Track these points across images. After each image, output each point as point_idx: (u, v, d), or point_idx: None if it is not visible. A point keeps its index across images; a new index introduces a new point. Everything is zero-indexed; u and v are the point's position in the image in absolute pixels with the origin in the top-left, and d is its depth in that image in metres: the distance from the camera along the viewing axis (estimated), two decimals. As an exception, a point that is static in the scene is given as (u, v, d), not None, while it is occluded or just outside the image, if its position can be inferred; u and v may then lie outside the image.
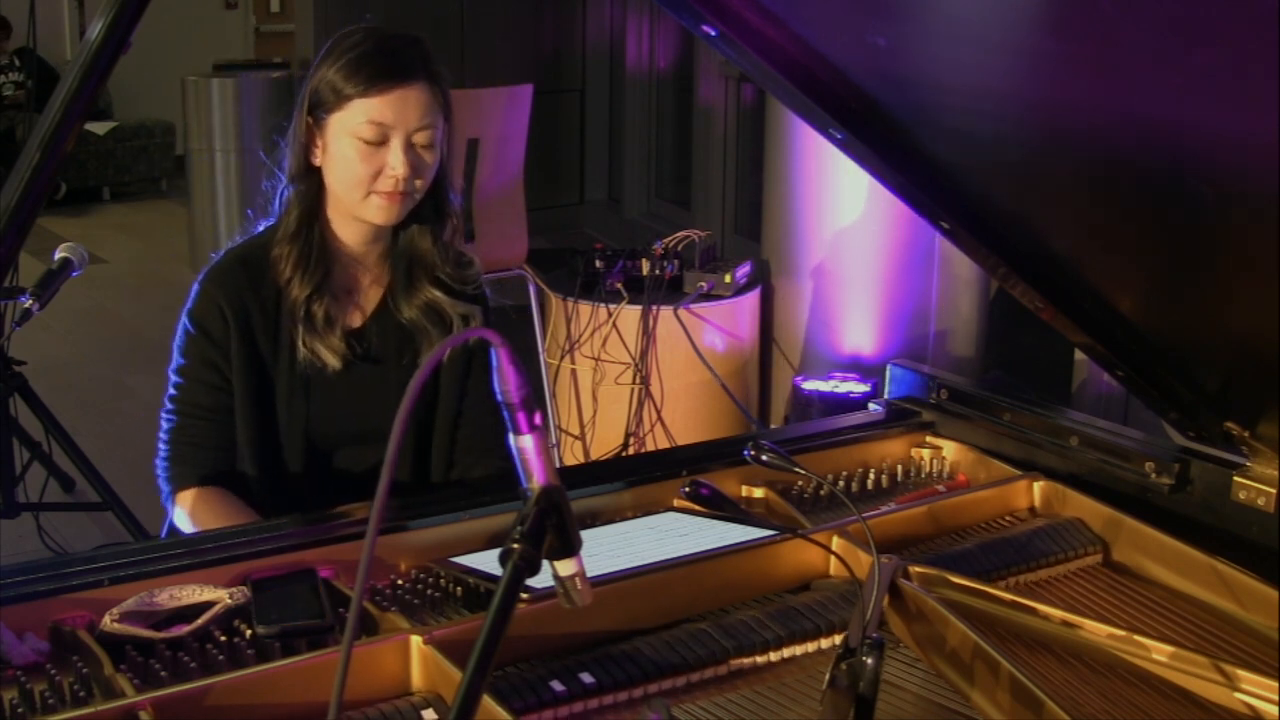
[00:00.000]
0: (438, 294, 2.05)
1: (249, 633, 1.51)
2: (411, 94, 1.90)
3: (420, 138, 1.92)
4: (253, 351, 1.97)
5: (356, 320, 2.04)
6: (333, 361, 1.97)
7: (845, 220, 4.24)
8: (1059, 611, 1.56)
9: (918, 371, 2.19)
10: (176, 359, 2.00)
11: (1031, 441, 1.96)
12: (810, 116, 1.64)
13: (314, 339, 1.96)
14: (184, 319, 1.99)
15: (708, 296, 4.15)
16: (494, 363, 1.16)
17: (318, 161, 1.96)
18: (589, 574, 1.23)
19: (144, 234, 8.65)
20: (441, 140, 1.96)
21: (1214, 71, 1.09)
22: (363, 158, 1.90)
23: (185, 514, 1.97)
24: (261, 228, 2.04)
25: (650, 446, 4.11)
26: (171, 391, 2.01)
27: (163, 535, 2.15)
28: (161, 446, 2.01)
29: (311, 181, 1.97)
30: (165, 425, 2.01)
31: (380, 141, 1.89)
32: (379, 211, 1.93)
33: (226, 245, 2.05)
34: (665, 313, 4.08)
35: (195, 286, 1.99)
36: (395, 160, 1.89)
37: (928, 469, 2.01)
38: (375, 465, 2.06)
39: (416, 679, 1.44)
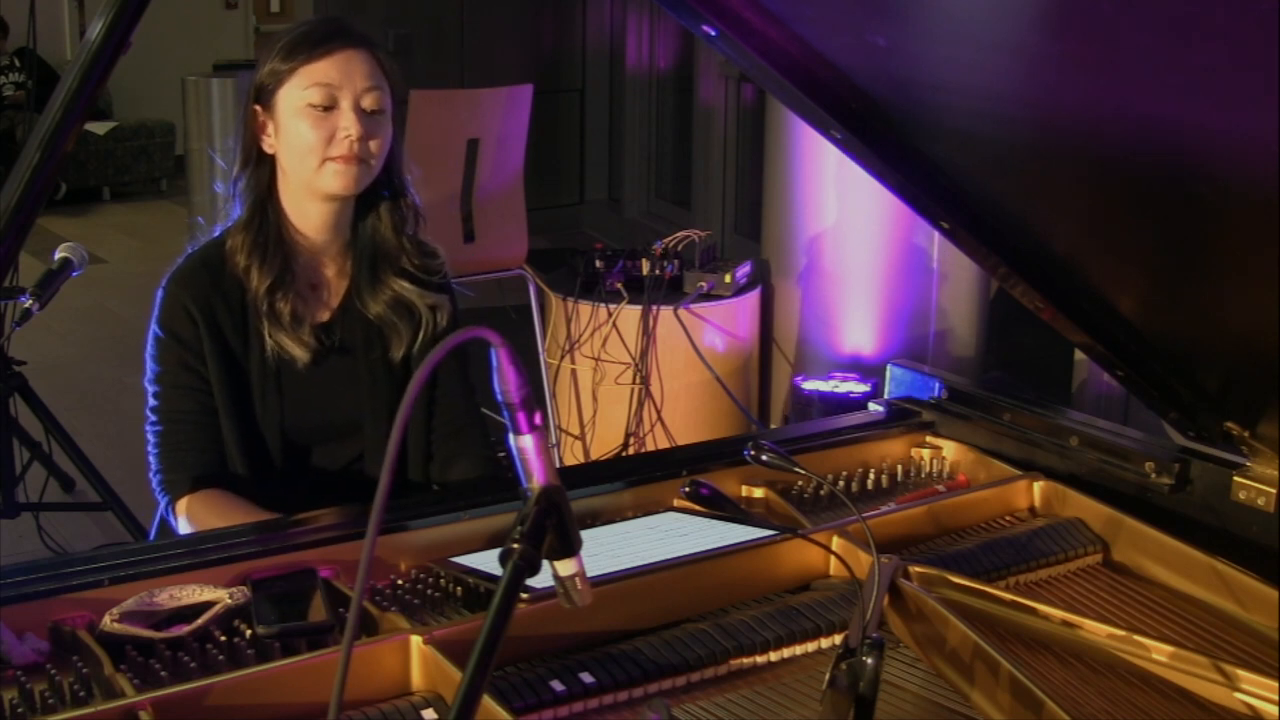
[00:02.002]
0: (404, 285, 2.04)
1: (249, 633, 1.51)
2: (355, 56, 1.94)
3: (368, 100, 1.94)
4: (224, 349, 1.97)
5: (324, 315, 2.04)
6: (301, 355, 1.97)
7: (845, 220, 4.24)
8: (1059, 611, 1.56)
9: (918, 371, 2.19)
10: (152, 367, 1.99)
11: (1031, 441, 1.96)
12: (810, 116, 1.64)
13: (280, 333, 1.96)
14: (153, 327, 1.99)
15: (708, 296, 4.15)
16: (494, 363, 1.16)
17: (269, 148, 1.97)
18: (589, 574, 1.23)
19: (144, 234, 8.66)
20: (390, 112, 1.98)
21: (1214, 71, 1.09)
22: (314, 124, 1.91)
23: (188, 520, 1.95)
24: (219, 231, 2.05)
25: (650, 446, 4.11)
26: (152, 401, 1.99)
27: (150, 537, 2.14)
28: (151, 459, 2.00)
29: (261, 169, 1.99)
30: (152, 436, 1.99)
31: (330, 105, 1.92)
32: (336, 177, 1.93)
33: (186, 250, 2.05)
34: (665, 313, 4.08)
35: (159, 293, 1.99)
36: (347, 121, 1.91)
37: (928, 469, 2.01)
38: (352, 460, 2.06)
39: (416, 679, 1.44)
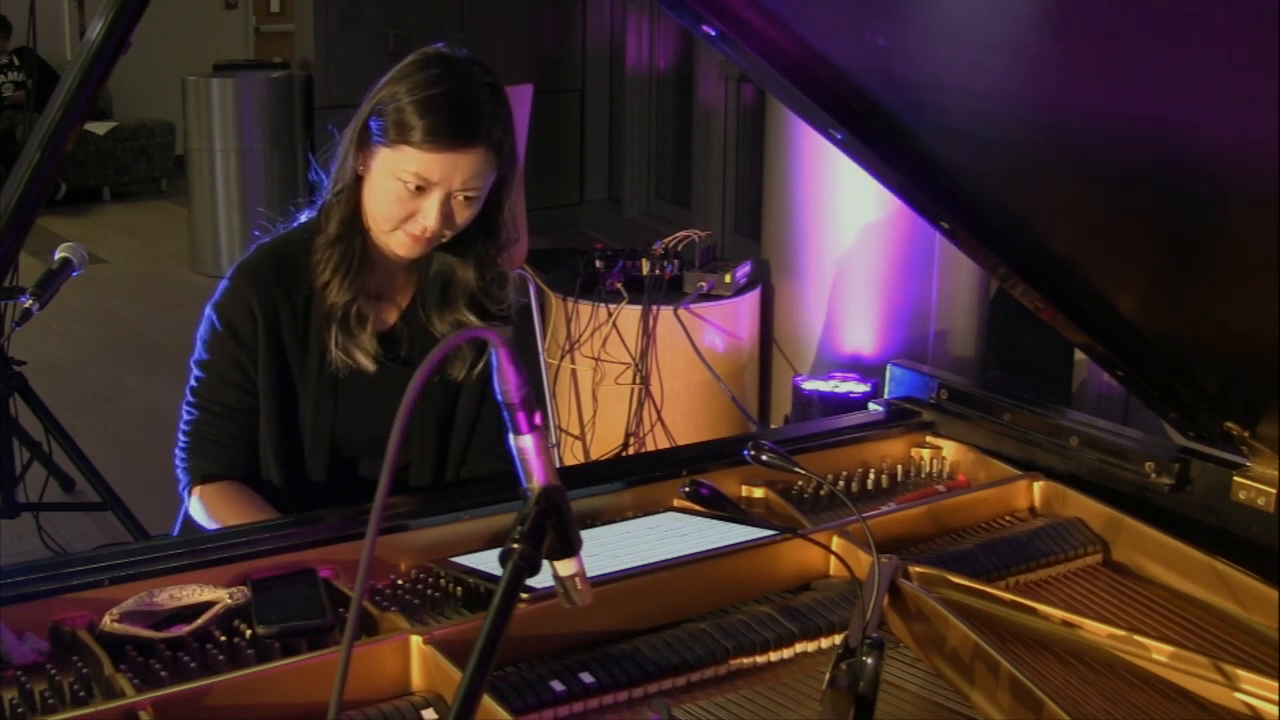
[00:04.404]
0: (470, 316, 2.02)
1: (249, 633, 1.51)
2: (465, 159, 1.85)
3: (460, 195, 1.87)
4: (279, 352, 1.95)
5: (387, 322, 2.02)
6: (367, 363, 1.95)
7: (845, 220, 4.24)
8: (1059, 611, 1.56)
9: (918, 371, 2.19)
10: (200, 351, 1.98)
11: (1031, 441, 1.96)
12: (810, 116, 1.64)
13: (348, 341, 1.94)
14: (211, 312, 1.96)
15: (708, 296, 4.15)
16: (494, 363, 1.16)
17: (360, 171, 1.92)
18: (589, 574, 1.23)
19: (144, 234, 8.66)
20: (489, 185, 1.90)
21: (1214, 71, 1.09)
22: (399, 200, 1.86)
23: (202, 507, 1.96)
24: (300, 220, 2.01)
25: (650, 446, 4.11)
26: (193, 384, 1.99)
27: (175, 530, 2.14)
28: (181, 437, 1.99)
29: (356, 190, 1.93)
30: (186, 417, 1.99)
31: (422, 188, 1.85)
32: (401, 247, 1.91)
33: (258, 239, 2.02)
34: (665, 313, 4.08)
35: (225, 281, 1.96)
36: (430, 211, 1.86)
37: (928, 469, 2.01)
38: (403, 468, 2.05)
39: (416, 679, 1.44)
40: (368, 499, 1.97)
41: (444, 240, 1.92)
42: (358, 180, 1.93)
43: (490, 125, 1.87)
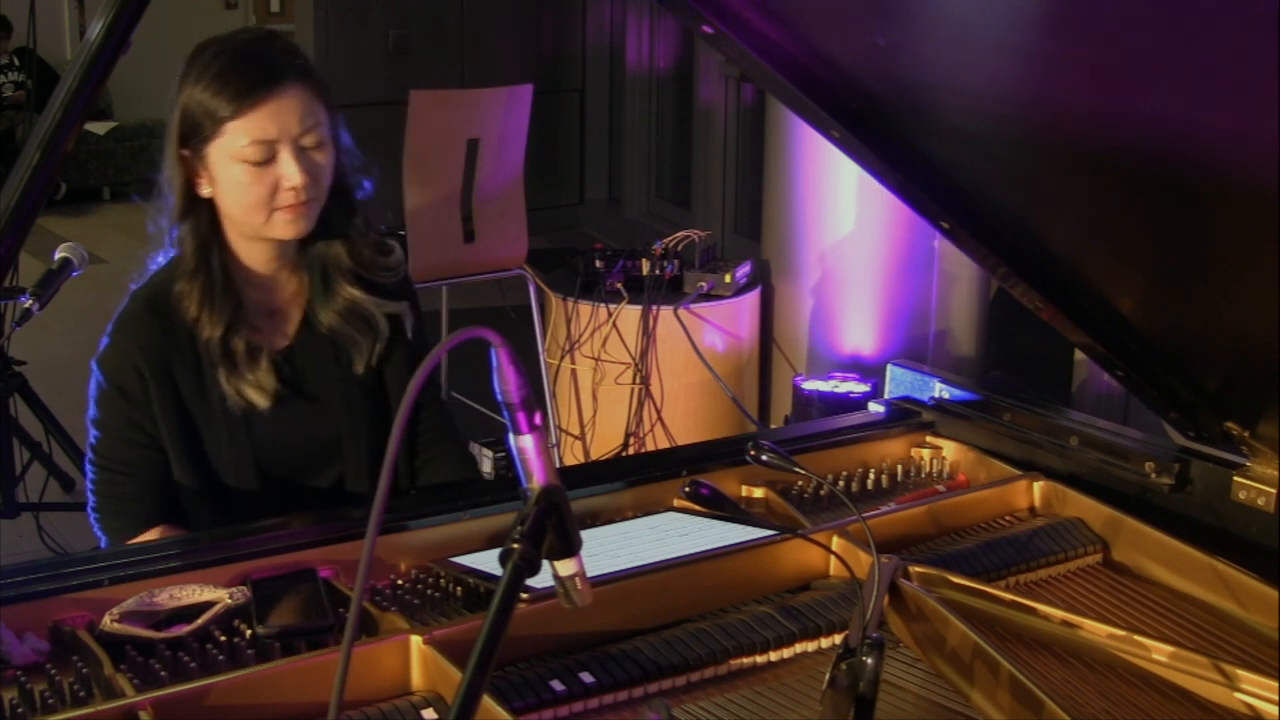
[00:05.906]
0: (357, 294, 1.94)
1: (249, 633, 1.51)
2: (286, 99, 1.79)
3: (308, 140, 1.81)
4: (178, 399, 1.87)
5: (283, 340, 1.94)
6: (261, 401, 1.86)
7: (845, 220, 4.24)
8: (1059, 611, 1.56)
9: (918, 371, 2.19)
10: (93, 410, 1.90)
11: (1031, 441, 1.96)
12: (809, 116, 1.64)
13: (237, 379, 1.86)
14: (97, 370, 1.89)
15: (708, 296, 4.15)
16: (494, 363, 1.16)
17: (205, 192, 1.86)
18: (589, 574, 1.23)
19: (144, 234, 8.63)
20: (330, 136, 1.85)
21: (1214, 71, 1.09)
22: (255, 179, 1.80)
23: None
24: (158, 263, 1.94)
25: (650, 446, 4.11)
26: (93, 442, 1.91)
27: None
28: (90, 496, 1.92)
29: (200, 213, 1.87)
30: (91, 474, 1.92)
31: (269, 158, 1.79)
32: (286, 227, 1.84)
33: (131, 286, 1.94)
34: (665, 313, 4.08)
35: (106, 337, 1.90)
36: (289, 171, 1.79)
37: (928, 469, 2.01)
38: (334, 483, 1.98)
39: (416, 679, 1.44)
40: (307, 509, 1.91)
41: (321, 203, 1.86)
42: (198, 200, 1.87)
43: (292, 60, 1.83)
